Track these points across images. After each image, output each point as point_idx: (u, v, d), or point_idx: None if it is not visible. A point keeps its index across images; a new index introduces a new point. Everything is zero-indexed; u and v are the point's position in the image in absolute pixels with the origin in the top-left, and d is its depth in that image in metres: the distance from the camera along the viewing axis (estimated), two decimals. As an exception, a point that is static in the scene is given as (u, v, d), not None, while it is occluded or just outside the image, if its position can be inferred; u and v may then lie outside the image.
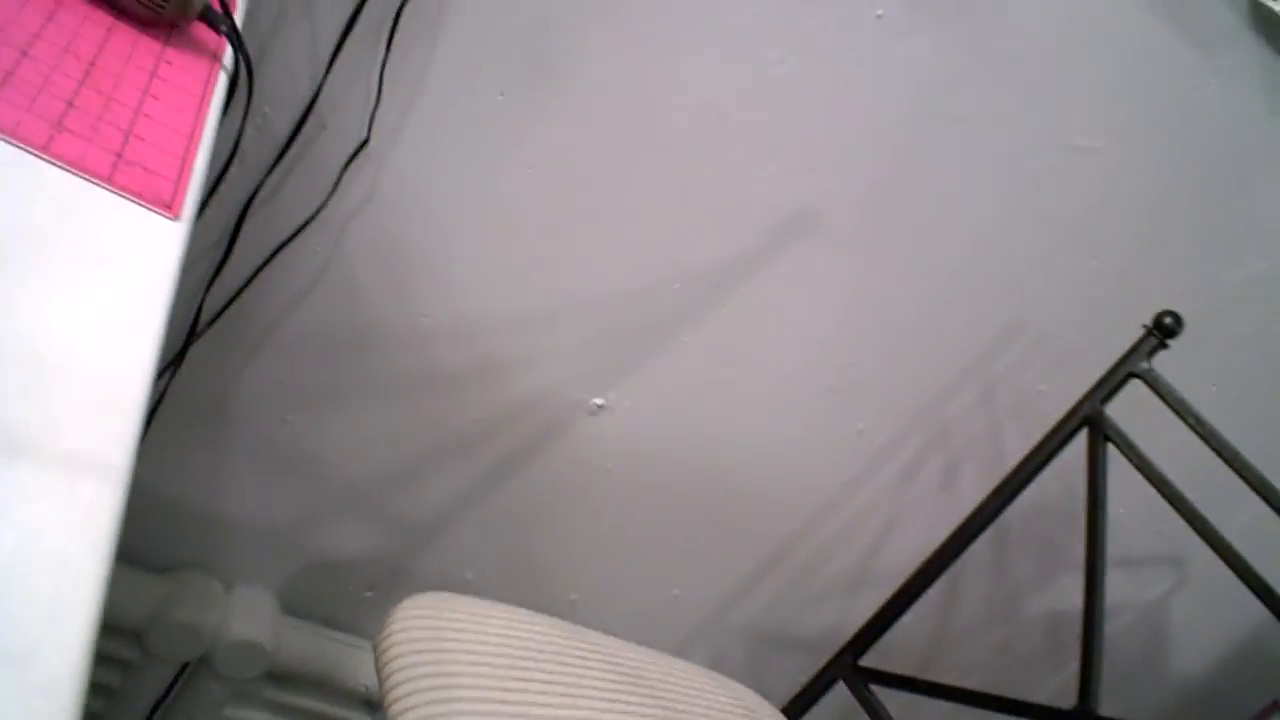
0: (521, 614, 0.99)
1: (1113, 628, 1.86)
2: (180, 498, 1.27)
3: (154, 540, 1.29)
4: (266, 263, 1.12)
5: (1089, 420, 1.16)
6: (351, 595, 1.41)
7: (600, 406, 1.32)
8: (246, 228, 1.09)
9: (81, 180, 0.51)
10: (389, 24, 1.03)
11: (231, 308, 1.14)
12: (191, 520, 1.29)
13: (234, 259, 1.11)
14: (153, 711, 1.30)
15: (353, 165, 1.09)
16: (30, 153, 0.50)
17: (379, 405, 1.26)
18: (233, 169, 1.05)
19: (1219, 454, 1.05)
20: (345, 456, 1.29)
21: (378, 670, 0.87)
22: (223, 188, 1.01)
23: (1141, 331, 1.17)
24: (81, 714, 0.31)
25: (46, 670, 0.30)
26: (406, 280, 1.18)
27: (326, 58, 1.04)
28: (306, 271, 1.15)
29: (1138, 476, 1.13)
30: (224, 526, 1.30)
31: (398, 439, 1.29)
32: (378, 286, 1.18)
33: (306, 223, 1.11)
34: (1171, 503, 1.09)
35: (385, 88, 1.06)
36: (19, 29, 0.60)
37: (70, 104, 0.56)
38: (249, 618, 1.29)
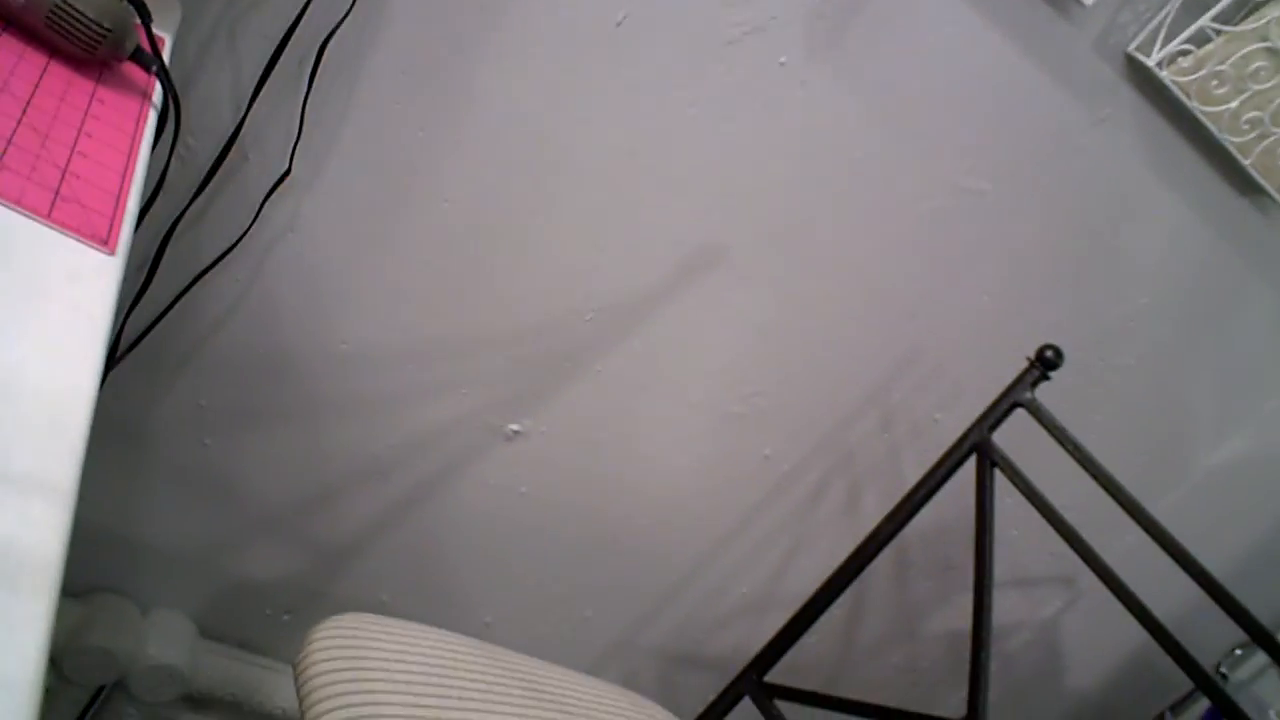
0: (439, 634, 1.02)
1: (1009, 645, 1.94)
2: (97, 521, 1.27)
3: (69, 563, 1.29)
4: (187, 289, 1.14)
5: (977, 447, 1.23)
6: (269, 619, 1.42)
7: (516, 432, 1.36)
8: (168, 255, 1.11)
9: (22, 217, 0.54)
10: (311, 61, 1.06)
11: (151, 333, 1.16)
12: (108, 544, 1.29)
13: (155, 285, 1.12)
14: (65, 737, 1.30)
15: (274, 196, 1.12)
16: (-27, 191, 0.53)
17: (297, 430, 1.28)
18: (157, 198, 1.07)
19: (1095, 478, 1.13)
20: (263, 481, 1.31)
21: (298, 690, 0.90)
22: (146, 215, 1.03)
23: (1026, 364, 1.25)
24: None
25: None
26: (326, 308, 1.21)
27: (249, 92, 1.07)
28: (227, 298, 1.17)
29: (1031, 500, 1.19)
30: (141, 550, 1.31)
31: (315, 463, 1.31)
32: (297, 314, 1.20)
33: (228, 251, 1.13)
34: (1055, 526, 1.16)
35: (307, 122, 1.09)
36: (-45, 68, 0.63)
37: (9, 142, 0.59)
38: (165, 641, 1.30)
